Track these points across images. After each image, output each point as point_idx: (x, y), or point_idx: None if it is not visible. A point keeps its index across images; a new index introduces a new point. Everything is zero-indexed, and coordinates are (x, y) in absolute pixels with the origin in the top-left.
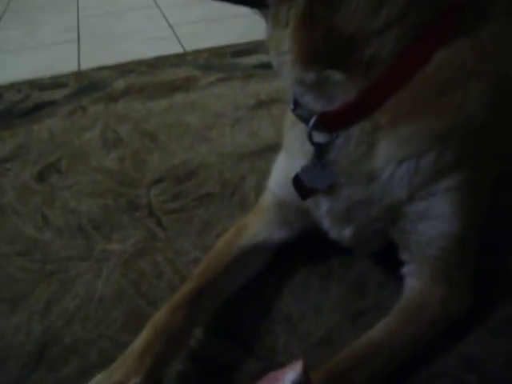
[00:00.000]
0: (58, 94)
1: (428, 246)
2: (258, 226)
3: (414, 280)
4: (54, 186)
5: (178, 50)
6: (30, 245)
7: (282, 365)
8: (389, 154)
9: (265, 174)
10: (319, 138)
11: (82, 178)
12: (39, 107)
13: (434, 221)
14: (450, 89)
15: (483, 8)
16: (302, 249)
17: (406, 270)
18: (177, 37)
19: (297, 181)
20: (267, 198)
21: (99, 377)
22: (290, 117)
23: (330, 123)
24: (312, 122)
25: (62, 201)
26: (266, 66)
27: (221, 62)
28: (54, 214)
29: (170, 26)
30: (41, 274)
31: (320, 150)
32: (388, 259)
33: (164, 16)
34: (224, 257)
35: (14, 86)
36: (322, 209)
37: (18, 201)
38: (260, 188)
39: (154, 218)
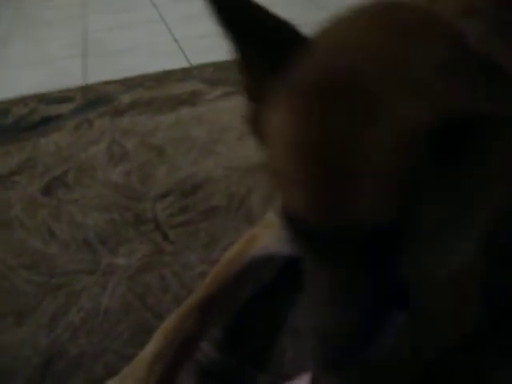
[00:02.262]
0: (64, 108)
1: None
2: (268, 238)
3: None
4: (60, 200)
5: (184, 64)
6: (37, 258)
7: (289, 378)
8: None
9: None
10: None
11: (88, 191)
12: (46, 121)
13: None
14: None
15: None
16: None
17: None
18: (183, 51)
19: None
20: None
21: (109, 383)
22: None
23: None
24: None
25: (69, 214)
26: None
27: (227, 75)
28: (60, 227)
29: (176, 41)
30: (47, 287)
31: None
32: None
33: (170, 30)
34: (234, 266)
35: (21, 100)
36: None
37: (24, 214)
38: (266, 201)
39: (160, 231)
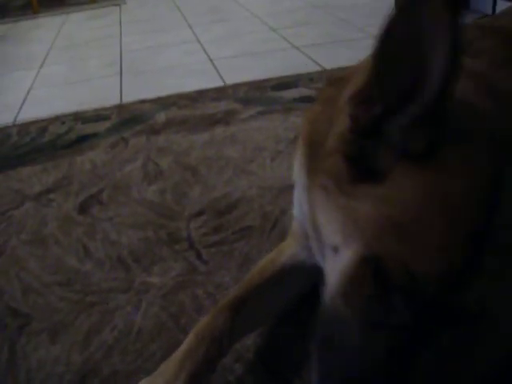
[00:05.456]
0: (100, 127)
1: None
2: (296, 248)
3: None
4: (95, 218)
5: (218, 83)
6: (71, 275)
7: None
8: None
9: None
10: None
11: (123, 209)
12: (82, 139)
13: None
14: None
15: None
16: None
17: None
18: (217, 70)
19: None
20: (295, 224)
21: (142, 382)
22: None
23: None
24: None
25: (103, 232)
26: (306, 100)
27: (261, 95)
28: (95, 245)
29: (211, 60)
30: (81, 304)
31: None
32: None
33: (204, 50)
34: (266, 271)
35: (58, 119)
36: None
37: (60, 231)
38: None
39: (194, 250)
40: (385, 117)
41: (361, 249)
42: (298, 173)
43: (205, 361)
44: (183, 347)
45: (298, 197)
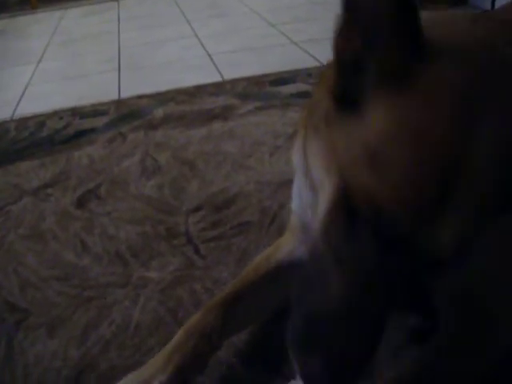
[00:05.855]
0: (98, 122)
1: None
2: (293, 244)
3: None
4: (93, 213)
5: (216, 78)
6: (69, 270)
7: None
8: None
9: None
10: None
11: (120, 204)
12: (80, 134)
13: None
14: None
15: None
16: None
17: None
18: (215, 66)
19: None
20: (294, 219)
21: (129, 376)
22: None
23: None
24: None
25: (101, 227)
26: (304, 95)
27: (259, 90)
28: (92, 240)
29: (209, 55)
30: (79, 299)
31: None
32: None
33: (202, 45)
34: (261, 268)
35: (56, 114)
36: None
37: (58, 226)
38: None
39: (192, 245)
40: (364, 48)
41: (337, 180)
42: (297, 157)
43: (193, 355)
44: (172, 342)
45: (298, 185)
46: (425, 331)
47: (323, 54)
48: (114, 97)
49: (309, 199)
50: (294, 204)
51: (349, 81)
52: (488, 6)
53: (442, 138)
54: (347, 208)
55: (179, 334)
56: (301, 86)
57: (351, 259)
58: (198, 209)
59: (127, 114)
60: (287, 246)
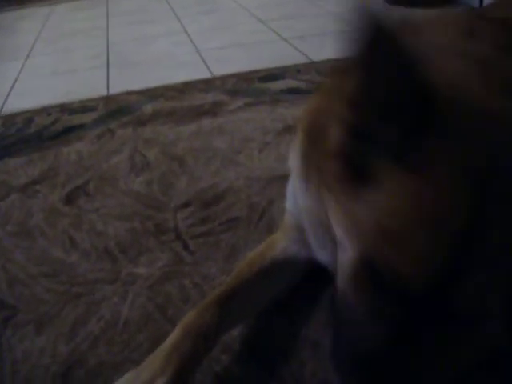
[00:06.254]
0: (87, 118)
1: None
2: (287, 242)
3: None
4: (81, 209)
5: (205, 75)
6: (57, 266)
7: None
8: None
9: None
10: None
11: (109, 201)
12: (69, 130)
13: None
14: None
15: None
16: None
17: None
18: (204, 62)
19: None
20: (288, 217)
21: (127, 376)
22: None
23: None
24: None
25: (90, 223)
26: (294, 91)
27: (248, 86)
28: (81, 236)
29: (198, 52)
30: (67, 296)
31: None
32: None
33: (192, 41)
34: (255, 265)
35: (44, 110)
36: None
37: (45, 223)
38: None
39: (180, 241)
40: (377, 121)
41: (360, 250)
42: (295, 163)
43: (191, 356)
44: (170, 341)
45: (293, 188)
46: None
47: (312, 50)
48: (103, 93)
49: (325, 243)
50: (289, 204)
51: (361, 149)
52: (476, 3)
53: (453, 219)
54: (371, 269)
55: (176, 334)
56: (290, 83)
57: (379, 312)
58: (186, 205)
59: (116, 110)
60: (281, 244)
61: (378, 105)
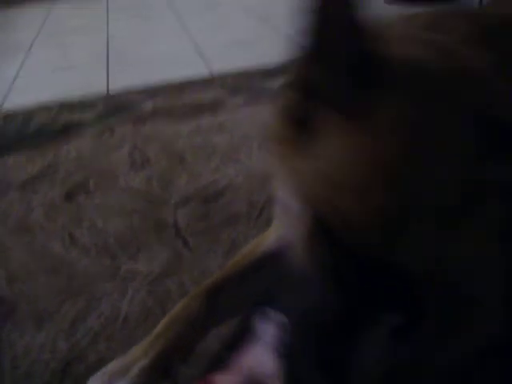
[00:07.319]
0: (87, 115)
1: None
2: (276, 236)
3: None
4: (81, 205)
5: (205, 72)
6: (57, 263)
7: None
8: None
9: None
10: None
11: (109, 197)
12: (68, 128)
13: None
14: None
15: None
16: None
17: None
18: (205, 59)
19: None
20: (276, 205)
21: (113, 362)
22: None
23: None
24: None
25: (89, 220)
26: None
27: (248, 84)
28: (81, 232)
29: (198, 49)
30: (67, 292)
31: None
32: None
33: (192, 39)
34: (246, 258)
35: (44, 107)
36: None
37: (45, 219)
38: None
39: (180, 238)
40: (321, 75)
41: (309, 208)
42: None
43: (176, 341)
44: (157, 328)
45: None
46: (404, 328)
47: None
48: (103, 90)
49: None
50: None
51: (306, 106)
52: (475, 1)
53: (391, 167)
54: (322, 226)
55: (163, 321)
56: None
57: (334, 272)
58: (186, 201)
59: (116, 108)
60: (271, 238)
61: (329, 53)
